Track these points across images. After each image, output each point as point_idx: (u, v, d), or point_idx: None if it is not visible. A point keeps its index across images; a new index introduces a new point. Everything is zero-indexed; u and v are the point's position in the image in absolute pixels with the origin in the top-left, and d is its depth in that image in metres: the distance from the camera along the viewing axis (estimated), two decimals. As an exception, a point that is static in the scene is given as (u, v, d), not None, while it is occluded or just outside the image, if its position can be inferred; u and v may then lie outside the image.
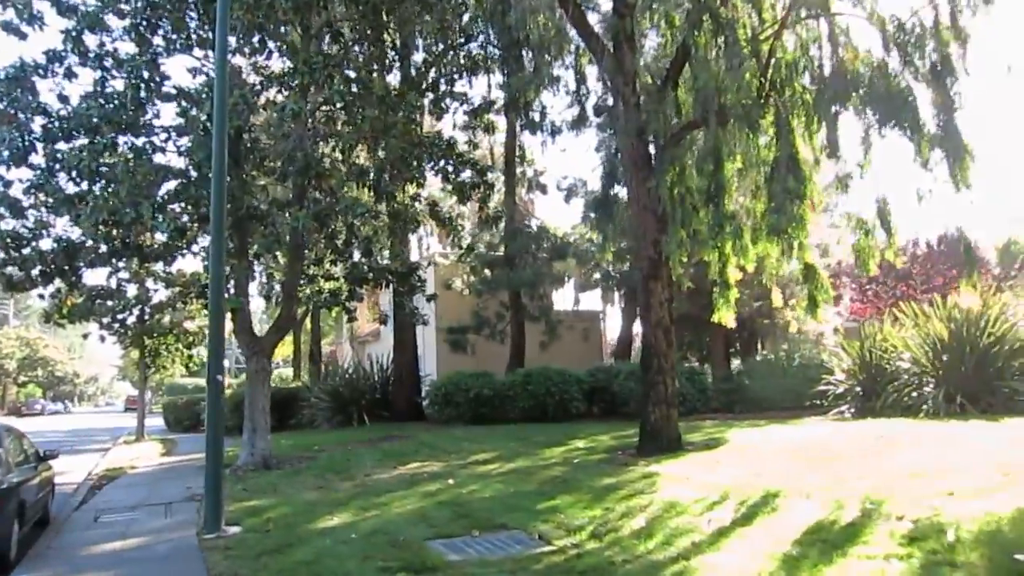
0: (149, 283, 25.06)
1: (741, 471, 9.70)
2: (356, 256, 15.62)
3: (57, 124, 12.08)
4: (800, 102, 12.15)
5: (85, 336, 26.07)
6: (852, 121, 11.78)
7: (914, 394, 15.19)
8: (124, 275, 24.33)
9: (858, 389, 16.99)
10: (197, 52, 12.99)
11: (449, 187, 14.50)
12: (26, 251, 12.41)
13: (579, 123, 16.69)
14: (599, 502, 8.46)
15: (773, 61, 12.15)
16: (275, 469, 13.36)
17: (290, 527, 8.23)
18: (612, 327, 36.65)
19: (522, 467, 11.62)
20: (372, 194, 13.34)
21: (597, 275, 28.68)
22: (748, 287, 23.07)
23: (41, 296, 14.23)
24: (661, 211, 12.74)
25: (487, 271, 26.61)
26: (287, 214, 11.91)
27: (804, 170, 11.95)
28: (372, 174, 12.64)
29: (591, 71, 14.96)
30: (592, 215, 16.46)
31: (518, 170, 26.10)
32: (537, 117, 21.10)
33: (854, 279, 29.19)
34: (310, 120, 13.09)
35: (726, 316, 13.57)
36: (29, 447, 9.48)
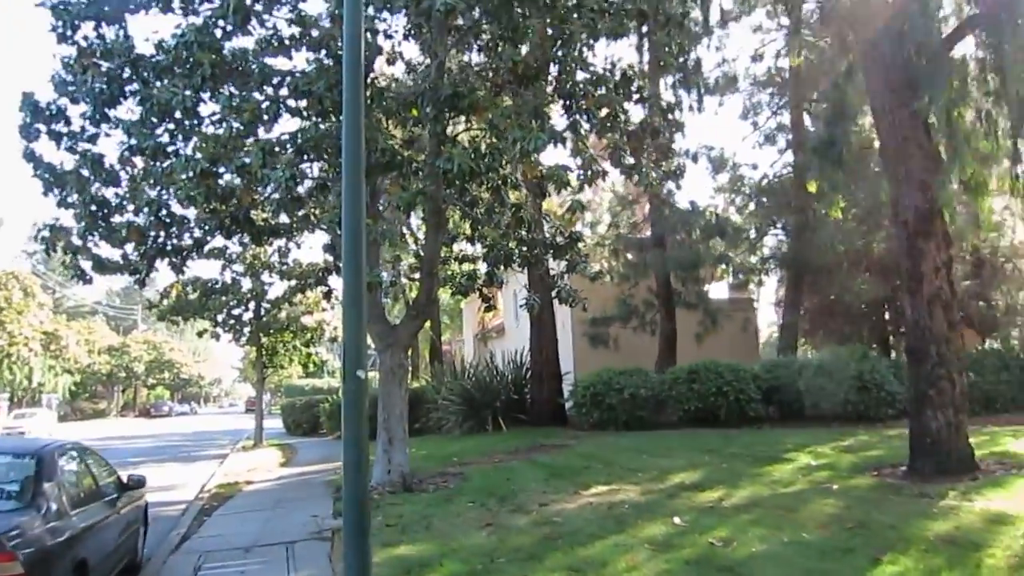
0: (264, 276, 23.34)
1: None
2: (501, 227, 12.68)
3: (150, 61, 9.69)
4: None
5: (200, 334, 24.54)
6: None
7: None
8: (239, 268, 22.79)
9: None
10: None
11: (617, 135, 11.17)
12: (115, 220, 10.10)
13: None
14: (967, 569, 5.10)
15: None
16: (417, 490, 10.57)
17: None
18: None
19: (760, 496, 8.31)
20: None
21: (752, 258, 24.89)
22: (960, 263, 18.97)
23: (140, 283, 11.98)
24: (931, 145, 9.18)
25: (628, 255, 23.37)
26: (434, 160, 8.99)
27: None
28: (529, 114, 9.50)
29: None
30: (815, 161, 12.84)
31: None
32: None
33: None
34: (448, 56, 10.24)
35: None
36: (105, 474, 6.95)
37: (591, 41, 10.31)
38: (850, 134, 11.74)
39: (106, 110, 9.86)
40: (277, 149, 9.13)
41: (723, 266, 22.48)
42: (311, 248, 58.86)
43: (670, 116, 11.07)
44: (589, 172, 9.95)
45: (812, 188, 15.51)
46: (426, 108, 10.05)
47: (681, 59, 15.35)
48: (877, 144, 10.43)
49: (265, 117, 9.26)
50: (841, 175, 11.98)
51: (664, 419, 17.82)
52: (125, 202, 9.84)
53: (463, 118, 11.14)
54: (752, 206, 24.19)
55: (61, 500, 5.25)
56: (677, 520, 7.35)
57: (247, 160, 8.48)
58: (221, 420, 54.44)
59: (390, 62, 11.97)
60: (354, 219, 5.69)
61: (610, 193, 27.15)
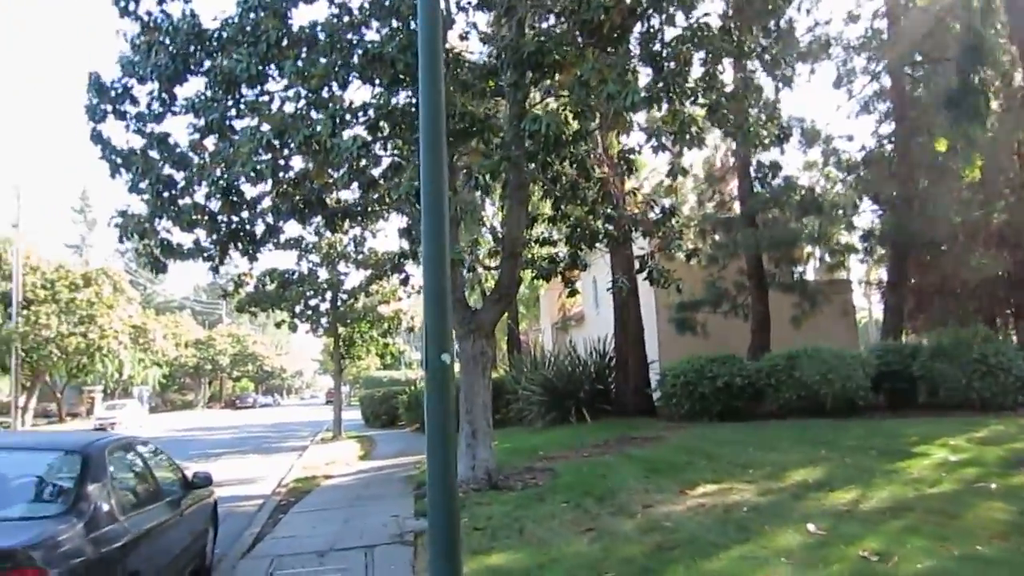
0: (340, 266, 23.03)
1: None
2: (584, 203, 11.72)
3: (215, 36, 9.13)
4: None
5: (278, 325, 24.41)
6: None
7: None
8: (315, 258, 22.53)
9: None
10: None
11: (714, 96, 9.95)
12: (183, 202, 9.59)
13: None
14: None
15: None
16: (504, 488, 9.75)
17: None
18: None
19: (905, 498, 7.13)
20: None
21: (845, 238, 23.13)
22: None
23: (214, 270, 11.54)
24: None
25: (716, 236, 21.99)
26: (519, 123, 8.05)
27: None
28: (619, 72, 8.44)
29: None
30: (947, 111, 11.37)
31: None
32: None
33: None
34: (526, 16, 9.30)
35: None
36: (167, 472, 6.33)
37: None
38: (991, 81, 10.28)
39: (173, 87, 9.34)
40: (348, 117, 8.39)
41: (820, 245, 20.93)
42: (387, 236, 59.09)
43: (776, 72, 9.88)
44: (688, 136, 8.86)
45: (942, 147, 13.89)
46: (505, 73, 9.18)
47: (772, 21, 14.00)
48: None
49: (334, 84, 8.52)
50: (979, 128, 10.51)
51: (762, 409, 16.59)
52: (193, 184, 9.30)
53: (545, 84, 10.22)
54: (849, 180, 22.49)
55: (110, 503, 4.59)
56: (812, 527, 6.28)
57: (317, 128, 7.77)
58: (302, 411, 55.29)
59: (463, 37, 11.16)
60: (435, 186, 4.90)
61: (691, 176, 25.78)
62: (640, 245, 14.08)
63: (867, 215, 24.20)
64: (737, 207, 22.30)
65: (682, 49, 9.28)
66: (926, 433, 11.47)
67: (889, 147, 22.16)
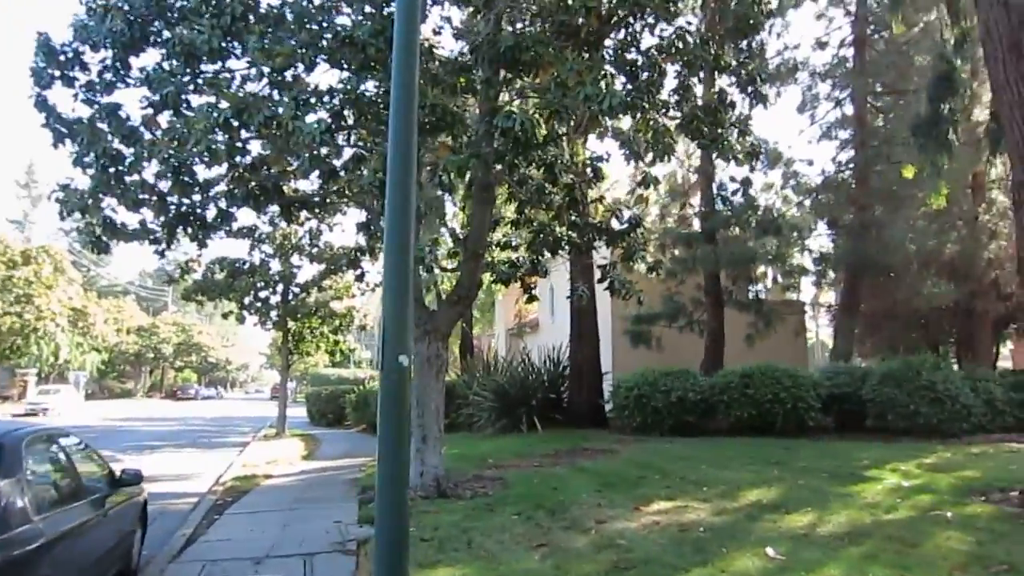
0: (294, 259, 22.43)
1: None
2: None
3: (176, 5, 8.65)
4: None
5: (225, 316, 23.67)
6: None
7: None
8: (268, 249, 21.89)
9: None
10: None
11: (688, 107, 9.79)
12: (130, 179, 9.04)
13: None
14: None
15: None
16: (452, 496, 9.42)
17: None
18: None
19: (862, 524, 7.02)
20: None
21: (799, 260, 23.36)
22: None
23: (160, 253, 10.98)
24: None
25: (676, 250, 22.02)
26: (492, 119, 7.76)
27: None
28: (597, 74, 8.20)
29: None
30: (914, 139, 11.42)
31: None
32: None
33: None
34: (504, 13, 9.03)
35: None
36: (92, 468, 5.84)
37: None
38: (957, 111, 10.37)
39: (127, 56, 8.81)
40: (313, 100, 8.00)
41: (777, 265, 21.10)
42: (343, 230, 58.13)
43: (750, 88, 9.79)
44: (660, 146, 8.69)
45: (909, 174, 14.03)
46: (479, 69, 8.89)
47: (745, 41, 13.99)
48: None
49: (300, 66, 8.12)
50: (946, 158, 10.60)
51: (714, 425, 16.56)
52: (142, 160, 8.76)
53: (517, 86, 9.97)
54: (806, 204, 22.75)
55: (24, 501, 4.15)
56: (771, 551, 6.10)
57: (279, 110, 7.37)
58: (246, 406, 54.01)
59: (436, 32, 10.85)
60: (402, 176, 4.60)
61: (653, 191, 25.85)
62: (602, 254, 13.93)
63: (822, 238, 24.56)
64: (697, 224, 22.43)
65: (659, 58, 9.13)
66: (877, 457, 11.53)
67: (848, 173, 22.50)
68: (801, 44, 58.52)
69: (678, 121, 9.26)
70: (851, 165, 22.42)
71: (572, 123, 8.52)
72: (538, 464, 12.46)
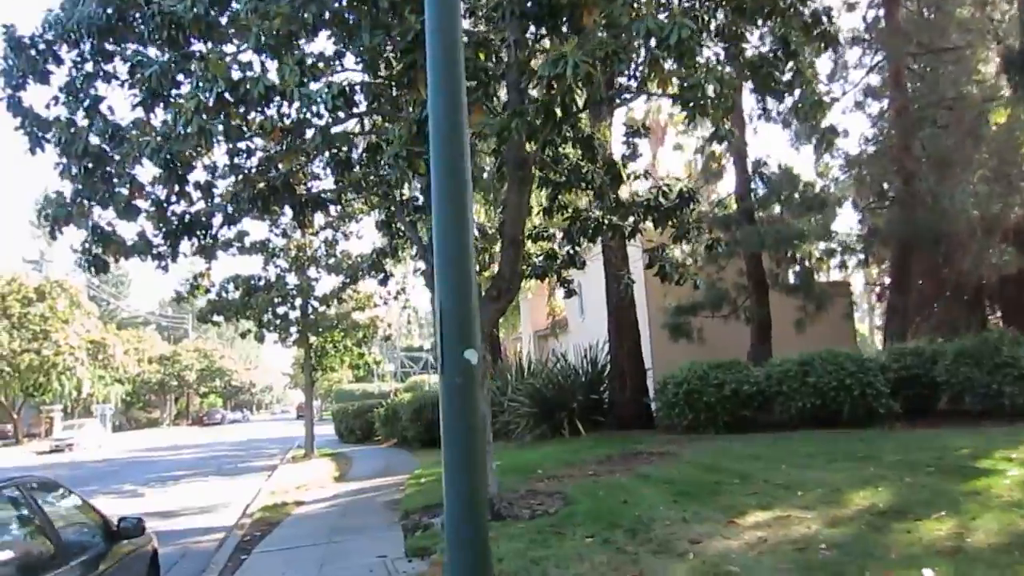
0: (311, 272, 21.45)
1: None
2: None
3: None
4: None
5: (243, 335, 22.65)
6: None
7: None
8: (283, 263, 20.97)
9: None
10: None
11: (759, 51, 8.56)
12: (118, 182, 7.95)
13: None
14: None
15: None
16: (508, 518, 8.26)
17: None
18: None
19: (1020, 529, 5.76)
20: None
21: (844, 236, 22.01)
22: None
23: (163, 268, 9.89)
24: None
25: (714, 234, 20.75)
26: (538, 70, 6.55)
27: None
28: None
29: None
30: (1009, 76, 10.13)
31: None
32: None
33: None
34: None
35: None
36: (80, 523, 4.71)
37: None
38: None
39: (104, 43, 7.75)
40: (321, 65, 6.87)
41: (824, 241, 19.79)
42: (360, 238, 57.25)
43: (815, 31, 8.57)
44: (722, 98, 7.48)
45: (1000, 118, 12.70)
46: (505, 29, 7.73)
47: None
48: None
49: (301, 33, 6.98)
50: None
51: (772, 419, 15.24)
52: (130, 158, 7.66)
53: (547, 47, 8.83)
54: (850, 175, 21.43)
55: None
56: (930, 574, 4.87)
57: (285, 75, 6.22)
58: (272, 427, 53.24)
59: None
60: (452, 129, 3.49)
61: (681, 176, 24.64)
62: (635, 242, 12.75)
63: (864, 213, 23.21)
64: (733, 204, 21.17)
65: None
66: (976, 445, 10.16)
67: (887, 142, 21.15)
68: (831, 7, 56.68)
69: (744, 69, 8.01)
70: (891, 132, 21.05)
71: (627, 73, 7.30)
72: (593, 473, 11.28)
